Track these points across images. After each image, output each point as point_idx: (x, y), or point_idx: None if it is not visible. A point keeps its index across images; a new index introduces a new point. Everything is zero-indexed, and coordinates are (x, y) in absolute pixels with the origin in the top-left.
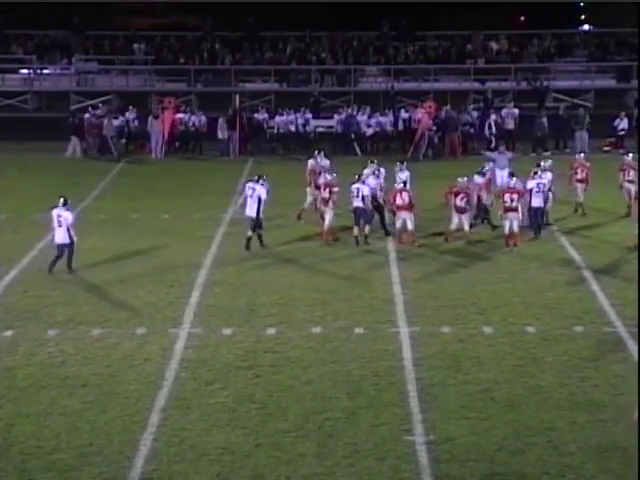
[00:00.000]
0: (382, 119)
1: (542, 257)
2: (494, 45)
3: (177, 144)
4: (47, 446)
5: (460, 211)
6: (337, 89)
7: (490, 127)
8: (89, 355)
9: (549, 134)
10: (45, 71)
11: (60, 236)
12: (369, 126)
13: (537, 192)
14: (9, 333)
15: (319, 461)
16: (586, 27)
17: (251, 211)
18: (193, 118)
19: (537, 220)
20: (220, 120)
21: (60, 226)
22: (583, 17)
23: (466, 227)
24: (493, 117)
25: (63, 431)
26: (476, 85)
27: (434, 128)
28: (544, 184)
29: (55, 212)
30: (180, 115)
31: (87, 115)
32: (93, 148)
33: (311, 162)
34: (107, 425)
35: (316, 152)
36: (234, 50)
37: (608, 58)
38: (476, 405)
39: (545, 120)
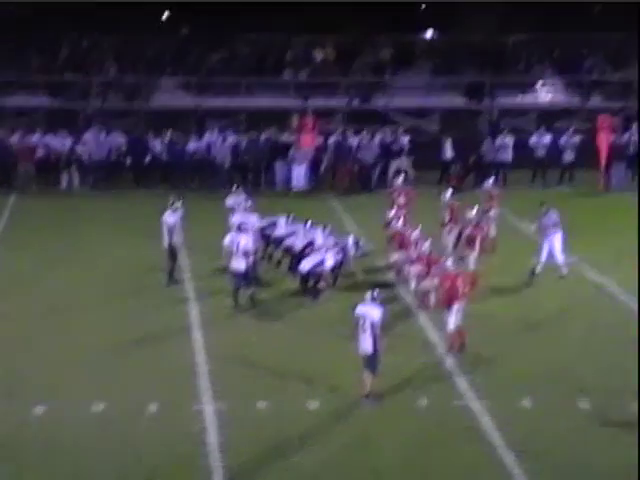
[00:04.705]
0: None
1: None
2: (319, 54)
3: None
4: None
5: None
6: (124, 106)
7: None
8: None
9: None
10: None
11: None
12: None
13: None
14: None
15: None
16: (429, 33)
17: None
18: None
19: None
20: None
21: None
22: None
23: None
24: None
25: None
26: (297, 103)
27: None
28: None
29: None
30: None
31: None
32: None
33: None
34: None
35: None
36: None
37: (456, 71)
38: None
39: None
